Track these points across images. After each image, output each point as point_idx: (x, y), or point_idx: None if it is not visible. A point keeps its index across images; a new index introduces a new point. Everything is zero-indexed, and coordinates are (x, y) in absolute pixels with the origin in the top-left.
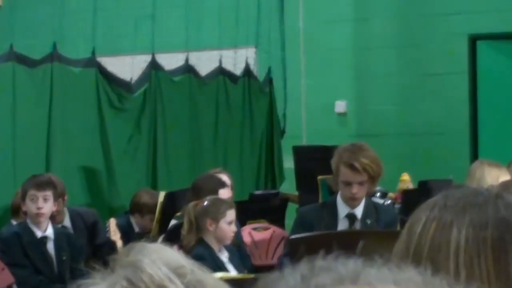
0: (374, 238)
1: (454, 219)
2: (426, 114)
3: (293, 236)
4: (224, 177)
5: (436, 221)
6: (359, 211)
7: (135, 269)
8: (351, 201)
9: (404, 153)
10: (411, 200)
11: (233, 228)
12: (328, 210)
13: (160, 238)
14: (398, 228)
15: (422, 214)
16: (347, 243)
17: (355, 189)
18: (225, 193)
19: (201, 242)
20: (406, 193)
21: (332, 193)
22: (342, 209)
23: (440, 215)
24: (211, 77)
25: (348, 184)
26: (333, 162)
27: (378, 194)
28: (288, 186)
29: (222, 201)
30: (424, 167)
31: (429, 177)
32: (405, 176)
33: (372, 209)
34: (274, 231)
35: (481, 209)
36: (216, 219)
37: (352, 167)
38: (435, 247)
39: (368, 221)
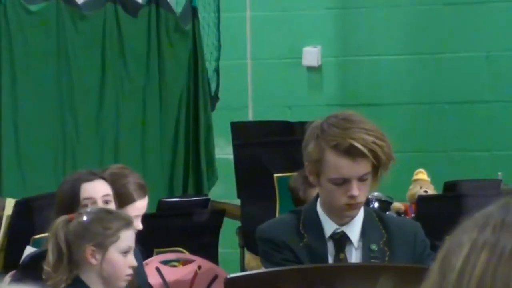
0: (381, 275)
1: None
2: (454, 71)
3: (233, 275)
4: (133, 180)
5: (488, 248)
6: (353, 229)
7: None
8: (349, 211)
9: (418, 136)
10: (432, 213)
11: (130, 260)
12: (308, 224)
13: (8, 276)
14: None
15: (464, 237)
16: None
17: (355, 190)
18: (101, 192)
19: (77, 283)
20: (423, 202)
21: (298, 202)
22: (326, 225)
23: (495, 239)
24: (94, 5)
25: (343, 182)
26: (310, 148)
27: (375, 203)
28: (224, 190)
29: (113, 215)
30: (453, 159)
31: (461, 176)
32: (421, 174)
33: (376, 224)
34: (200, 266)
35: None
36: (102, 246)
37: (349, 152)
38: None
39: (374, 247)
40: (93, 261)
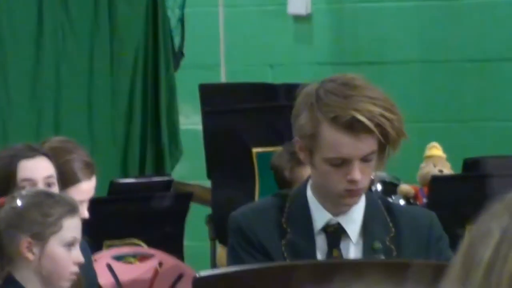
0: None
1: None
2: (477, 20)
3: (203, 273)
4: (78, 156)
5: None
6: (351, 220)
7: None
8: (348, 199)
9: (431, 102)
10: (449, 198)
11: (75, 255)
12: (294, 214)
13: None
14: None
15: (493, 225)
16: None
17: (357, 173)
18: (43, 173)
19: (9, 283)
20: (437, 183)
21: (283, 184)
22: (318, 215)
23: None
24: None
25: (342, 163)
26: (302, 120)
27: (378, 186)
28: (190, 169)
29: (54, 199)
30: (474, 131)
31: (485, 151)
32: (435, 150)
33: (382, 215)
34: (161, 263)
35: None
36: (41, 237)
37: (351, 126)
38: None
39: (378, 244)
40: (30, 255)
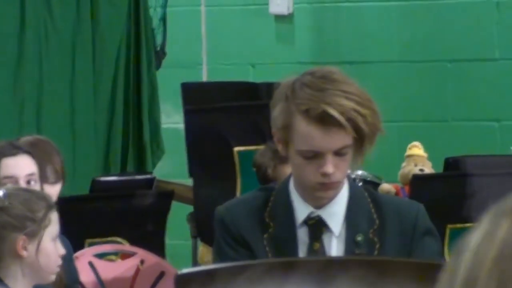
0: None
1: None
2: (458, 20)
3: (185, 271)
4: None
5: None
6: (332, 213)
7: None
8: (322, 192)
9: (412, 102)
10: (430, 197)
11: (59, 247)
12: (277, 208)
13: None
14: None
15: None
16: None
17: (329, 166)
18: (25, 171)
19: None
20: (418, 182)
21: (266, 182)
22: (300, 208)
23: None
24: None
25: (315, 156)
26: (276, 112)
27: (360, 185)
28: (172, 168)
29: (34, 194)
30: (455, 131)
31: (466, 150)
32: (417, 149)
33: (366, 207)
34: (142, 261)
35: None
36: (36, 234)
37: (322, 119)
38: None
39: (360, 238)
40: (24, 253)
